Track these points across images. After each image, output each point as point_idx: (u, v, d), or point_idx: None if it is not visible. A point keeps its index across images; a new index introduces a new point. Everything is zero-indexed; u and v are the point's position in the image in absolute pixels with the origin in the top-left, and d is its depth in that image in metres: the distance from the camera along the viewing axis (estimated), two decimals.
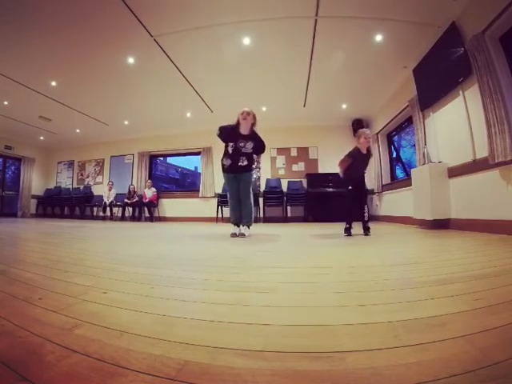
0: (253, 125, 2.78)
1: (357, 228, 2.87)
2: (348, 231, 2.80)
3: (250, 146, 2.77)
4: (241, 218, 2.91)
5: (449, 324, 0.60)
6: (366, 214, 2.86)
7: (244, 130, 2.76)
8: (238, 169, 2.81)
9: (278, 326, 0.62)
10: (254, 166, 2.98)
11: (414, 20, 3.27)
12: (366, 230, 2.80)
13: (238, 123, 2.76)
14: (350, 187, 2.92)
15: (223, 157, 2.88)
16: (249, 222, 2.92)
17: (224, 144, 2.88)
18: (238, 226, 2.90)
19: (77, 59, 4.09)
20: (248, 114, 2.71)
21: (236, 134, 2.77)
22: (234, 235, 2.77)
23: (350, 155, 2.86)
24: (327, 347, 0.52)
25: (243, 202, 2.89)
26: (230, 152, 2.78)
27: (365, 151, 2.84)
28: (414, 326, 0.60)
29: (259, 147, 2.87)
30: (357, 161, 2.85)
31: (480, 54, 2.71)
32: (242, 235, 2.77)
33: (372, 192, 6.00)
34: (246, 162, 2.79)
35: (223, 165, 2.87)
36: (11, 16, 3.15)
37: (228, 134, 2.80)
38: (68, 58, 4.07)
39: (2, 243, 2.18)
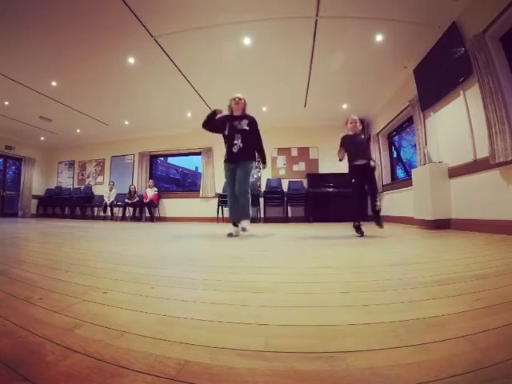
0: (244, 109, 2.91)
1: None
2: (359, 230, 2.61)
3: (244, 122, 2.83)
4: (239, 216, 2.81)
5: (449, 324, 0.60)
6: (378, 203, 2.64)
7: (236, 112, 2.88)
8: (235, 156, 2.76)
9: (279, 326, 0.62)
10: (255, 158, 2.90)
11: (415, 20, 3.27)
12: (378, 221, 2.63)
13: (231, 110, 2.90)
14: (353, 180, 2.76)
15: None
16: (245, 216, 2.74)
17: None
18: (236, 226, 2.81)
19: (77, 59, 4.09)
20: (240, 99, 2.87)
21: (230, 116, 2.89)
22: (230, 235, 2.69)
23: (340, 144, 2.88)
24: (328, 347, 0.52)
25: (238, 191, 2.76)
26: (227, 133, 2.82)
27: (353, 132, 2.83)
28: (415, 326, 0.60)
29: (256, 139, 2.85)
30: (351, 147, 2.81)
31: (480, 54, 2.71)
32: (244, 229, 2.69)
33: None
34: (241, 143, 2.76)
35: (226, 152, 2.86)
36: (11, 16, 3.16)
37: (221, 121, 2.87)
38: (68, 58, 4.07)
39: (2, 243, 2.19)
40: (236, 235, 2.74)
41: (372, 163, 2.76)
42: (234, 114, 2.87)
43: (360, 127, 2.91)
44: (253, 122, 2.86)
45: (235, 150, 2.76)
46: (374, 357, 0.48)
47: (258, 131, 2.89)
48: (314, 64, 4.25)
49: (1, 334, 0.56)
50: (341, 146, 2.88)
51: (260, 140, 2.91)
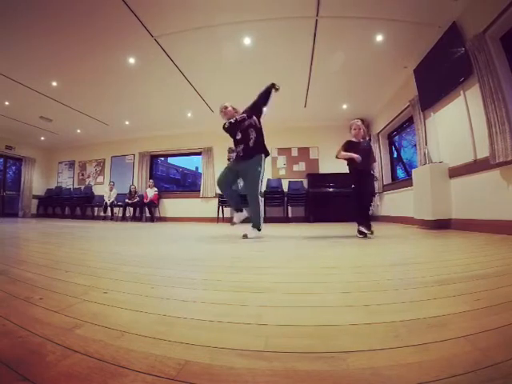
0: (236, 113, 2.93)
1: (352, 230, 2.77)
2: (362, 232, 2.60)
3: (248, 118, 2.83)
4: (240, 203, 2.87)
5: (450, 324, 0.60)
6: (371, 210, 2.64)
7: (233, 117, 2.88)
8: (251, 150, 2.77)
9: (279, 326, 0.62)
10: (262, 152, 2.87)
11: (415, 20, 3.27)
12: (367, 224, 2.54)
13: (229, 117, 2.92)
14: (353, 186, 2.78)
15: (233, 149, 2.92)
16: (255, 223, 2.74)
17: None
18: (241, 211, 2.84)
19: (77, 59, 4.10)
20: (226, 107, 2.93)
21: (234, 124, 2.86)
22: (233, 223, 2.77)
23: (342, 149, 2.80)
24: (329, 347, 0.52)
25: (248, 198, 2.78)
26: (241, 135, 2.80)
27: (357, 140, 2.78)
28: (415, 326, 0.60)
29: (258, 99, 2.88)
30: (353, 152, 2.73)
31: (481, 54, 2.71)
32: (245, 236, 2.62)
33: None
34: (255, 134, 2.78)
35: (237, 153, 2.85)
36: (11, 16, 3.16)
37: (232, 128, 2.89)
38: (69, 58, 4.07)
39: (2, 243, 2.19)
40: (243, 236, 2.67)
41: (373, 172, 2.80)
42: (236, 117, 2.86)
43: (363, 132, 2.85)
44: (250, 115, 2.88)
45: (252, 143, 2.79)
46: (375, 357, 0.48)
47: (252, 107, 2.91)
48: (314, 64, 4.25)
49: (1, 333, 0.56)
50: (342, 150, 2.79)
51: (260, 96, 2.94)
